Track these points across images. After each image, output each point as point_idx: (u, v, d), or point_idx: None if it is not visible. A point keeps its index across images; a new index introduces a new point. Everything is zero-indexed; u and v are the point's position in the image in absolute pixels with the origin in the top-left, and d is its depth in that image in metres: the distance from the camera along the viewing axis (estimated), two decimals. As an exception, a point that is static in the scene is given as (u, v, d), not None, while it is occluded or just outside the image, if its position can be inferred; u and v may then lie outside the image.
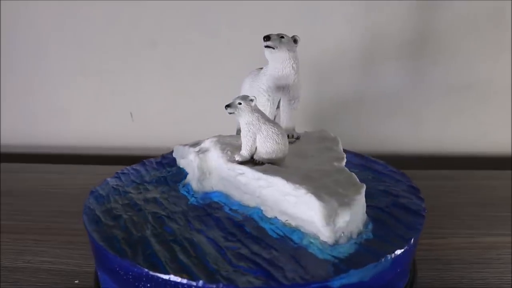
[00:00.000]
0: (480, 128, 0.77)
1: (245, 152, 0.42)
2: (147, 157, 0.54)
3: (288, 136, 0.47)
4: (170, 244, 0.37)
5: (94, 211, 0.42)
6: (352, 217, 0.36)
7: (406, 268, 0.39)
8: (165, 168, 0.52)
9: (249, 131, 0.41)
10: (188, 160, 0.48)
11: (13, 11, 0.75)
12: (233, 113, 0.41)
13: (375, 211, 0.41)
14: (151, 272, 0.33)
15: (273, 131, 0.41)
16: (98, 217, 0.41)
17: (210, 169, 0.45)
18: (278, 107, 0.48)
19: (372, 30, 0.72)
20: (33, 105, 0.81)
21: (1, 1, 0.75)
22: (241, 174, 0.42)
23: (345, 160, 0.44)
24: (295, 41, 0.46)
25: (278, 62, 0.45)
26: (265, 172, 0.40)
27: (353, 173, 0.40)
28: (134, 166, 0.52)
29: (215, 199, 0.44)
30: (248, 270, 0.33)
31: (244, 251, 0.36)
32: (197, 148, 0.46)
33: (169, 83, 0.78)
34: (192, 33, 0.74)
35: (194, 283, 0.31)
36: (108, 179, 0.48)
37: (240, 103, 0.41)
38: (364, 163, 0.52)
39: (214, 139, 0.46)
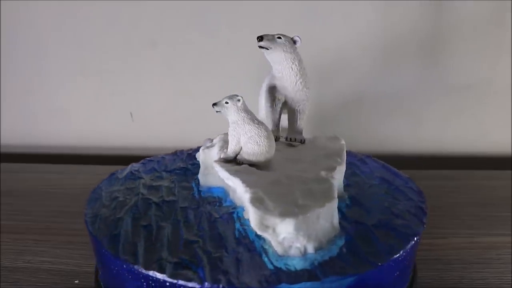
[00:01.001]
0: (480, 128, 0.77)
1: (229, 151, 0.43)
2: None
3: (290, 139, 0.47)
4: (139, 228, 0.39)
5: (101, 190, 0.46)
6: (304, 229, 0.34)
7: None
8: (192, 160, 0.53)
9: (234, 130, 0.42)
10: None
11: (13, 11, 0.75)
12: (219, 111, 0.41)
13: (360, 228, 0.38)
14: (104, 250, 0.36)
15: (256, 132, 0.40)
16: (100, 195, 0.45)
17: (213, 165, 0.45)
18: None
19: (372, 30, 0.72)
20: (33, 105, 0.81)
21: (1, 1, 0.75)
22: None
23: (338, 170, 0.42)
24: (294, 42, 0.45)
25: (276, 63, 0.45)
26: (233, 172, 0.40)
27: (334, 184, 0.38)
28: (164, 154, 0.54)
29: (215, 194, 0.44)
30: (190, 264, 0.34)
31: (199, 246, 0.36)
32: (208, 143, 0.47)
33: (169, 83, 0.78)
34: (192, 33, 0.74)
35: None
36: (134, 164, 0.52)
37: (227, 102, 0.41)
38: (386, 176, 0.49)
39: (222, 135, 0.47)
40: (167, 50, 0.75)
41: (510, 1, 0.69)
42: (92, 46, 0.76)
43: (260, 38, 0.43)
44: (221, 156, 0.43)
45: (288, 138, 0.47)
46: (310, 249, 0.34)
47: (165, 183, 0.47)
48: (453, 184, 0.67)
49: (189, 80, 0.77)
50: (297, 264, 0.33)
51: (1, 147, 0.84)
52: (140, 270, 0.33)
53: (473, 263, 0.49)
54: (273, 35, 0.44)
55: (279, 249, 0.34)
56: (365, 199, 0.43)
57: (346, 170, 0.44)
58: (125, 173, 0.50)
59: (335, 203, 0.36)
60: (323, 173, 0.40)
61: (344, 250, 0.35)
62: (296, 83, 0.45)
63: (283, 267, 0.33)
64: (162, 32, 0.75)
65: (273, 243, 0.34)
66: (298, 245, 0.34)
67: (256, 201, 0.35)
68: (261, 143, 0.41)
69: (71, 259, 0.50)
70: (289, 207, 0.35)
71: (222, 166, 0.42)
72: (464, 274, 0.47)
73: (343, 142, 0.47)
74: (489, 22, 0.70)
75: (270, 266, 0.33)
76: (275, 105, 0.47)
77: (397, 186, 0.48)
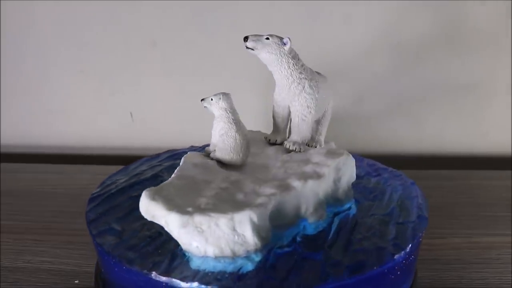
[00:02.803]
0: (480, 128, 0.77)
1: (210, 146, 0.44)
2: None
3: (286, 146, 0.45)
4: (116, 210, 0.42)
5: (114, 177, 0.49)
6: (196, 230, 0.34)
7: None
8: None
9: (215, 125, 0.42)
10: None
11: (13, 11, 0.75)
12: (206, 107, 0.43)
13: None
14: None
15: (226, 131, 0.41)
16: (108, 180, 0.48)
17: None
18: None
19: (372, 30, 0.72)
20: (33, 105, 0.81)
21: (1, 1, 0.75)
22: None
23: (318, 181, 0.39)
24: (284, 43, 0.42)
25: (268, 65, 0.43)
26: (186, 163, 0.41)
27: (273, 198, 0.37)
28: (192, 146, 0.56)
29: None
30: (138, 251, 0.36)
31: (154, 234, 0.38)
32: None
33: (169, 83, 0.78)
34: (192, 33, 0.74)
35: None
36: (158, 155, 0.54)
37: (211, 99, 0.42)
38: (407, 192, 0.46)
39: None
40: (167, 50, 0.75)
41: (510, 1, 0.69)
42: (92, 46, 0.76)
43: (246, 38, 0.42)
44: (205, 150, 0.45)
45: (284, 144, 0.46)
46: (210, 253, 0.34)
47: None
48: (453, 184, 0.67)
49: (189, 80, 0.77)
50: (196, 263, 0.34)
51: (1, 147, 0.84)
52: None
53: (473, 263, 0.49)
54: (260, 36, 0.42)
55: (181, 243, 0.35)
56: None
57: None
58: (143, 161, 0.53)
59: (244, 215, 0.34)
60: (293, 181, 0.38)
61: (266, 267, 0.34)
62: (289, 87, 0.43)
63: (196, 268, 0.34)
64: (162, 32, 0.75)
65: (173, 236, 0.35)
66: (196, 244, 0.34)
67: (154, 190, 0.36)
68: (228, 142, 0.41)
69: (71, 259, 0.50)
70: (186, 206, 0.35)
71: (189, 157, 0.43)
72: (463, 274, 0.47)
73: (344, 156, 0.43)
74: (489, 22, 0.70)
75: (187, 259, 0.35)
76: (278, 108, 0.46)
77: (407, 207, 0.46)
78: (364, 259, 0.35)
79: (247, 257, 0.35)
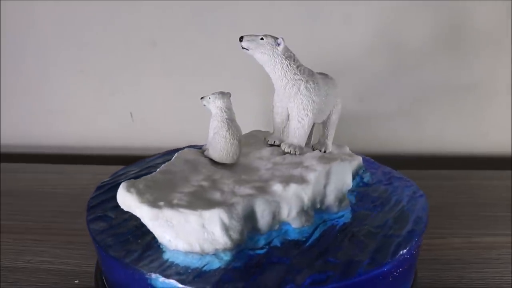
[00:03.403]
0: (480, 128, 0.77)
1: (206, 143, 0.44)
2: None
3: (283, 148, 0.44)
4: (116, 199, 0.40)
5: (128, 169, 0.50)
6: (167, 224, 0.35)
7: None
8: None
9: (211, 124, 0.43)
10: None
11: (13, 11, 0.75)
12: (205, 105, 0.43)
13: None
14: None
15: (221, 133, 0.42)
16: (122, 171, 0.50)
17: None
18: None
19: (372, 31, 0.72)
20: (33, 105, 0.81)
21: (1, 1, 0.75)
22: None
23: (302, 186, 0.39)
24: (278, 44, 0.42)
25: (263, 66, 0.43)
26: (178, 158, 0.42)
27: (249, 200, 0.37)
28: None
29: None
30: (119, 239, 0.38)
31: (140, 224, 0.38)
32: None
33: (169, 83, 0.78)
34: (192, 33, 0.74)
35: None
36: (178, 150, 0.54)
37: (209, 98, 0.43)
38: (411, 204, 0.44)
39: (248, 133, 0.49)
40: (167, 50, 0.75)
41: (510, 1, 0.69)
42: (92, 46, 0.76)
43: (241, 38, 0.42)
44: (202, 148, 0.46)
45: (281, 146, 0.45)
46: (180, 247, 0.35)
47: None
48: (453, 184, 0.67)
49: (189, 80, 0.77)
50: (167, 256, 0.35)
51: (1, 147, 0.84)
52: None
53: (473, 263, 0.49)
54: (256, 36, 0.42)
55: (156, 235, 0.36)
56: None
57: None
58: (158, 156, 0.54)
59: (213, 214, 0.34)
60: (274, 184, 0.38)
61: (235, 267, 0.34)
62: (284, 88, 0.43)
63: (158, 254, 0.36)
64: (162, 32, 0.75)
65: (149, 227, 0.36)
66: (168, 237, 0.35)
67: (131, 182, 0.37)
68: (218, 141, 0.42)
69: (71, 259, 0.50)
70: (159, 200, 0.36)
71: (182, 154, 0.43)
72: (463, 274, 0.47)
73: (337, 162, 0.42)
74: (489, 22, 0.70)
75: (160, 251, 0.36)
76: (277, 109, 0.45)
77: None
78: (330, 270, 0.34)
79: (216, 255, 0.35)
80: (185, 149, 0.45)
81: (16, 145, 0.84)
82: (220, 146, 0.42)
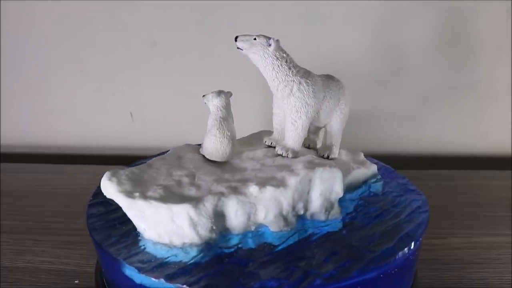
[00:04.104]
0: (480, 128, 0.77)
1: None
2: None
3: (276, 150, 0.44)
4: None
5: (146, 160, 0.48)
6: (140, 213, 0.36)
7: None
8: None
9: (207, 122, 0.44)
10: None
11: (13, 11, 0.75)
12: (206, 103, 0.44)
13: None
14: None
15: (212, 131, 0.42)
16: (142, 161, 0.48)
17: None
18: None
19: (372, 31, 0.72)
20: (33, 105, 0.81)
21: (1, 1, 0.75)
22: None
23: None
24: (269, 44, 0.41)
25: (257, 66, 0.42)
26: (172, 154, 0.44)
27: (220, 199, 0.37)
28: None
29: None
30: (107, 224, 0.41)
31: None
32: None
33: (169, 83, 0.78)
34: (192, 33, 0.74)
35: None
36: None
37: (209, 96, 0.44)
38: (409, 219, 0.42)
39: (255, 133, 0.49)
40: (167, 50, 0.75)
41: (510, 1, 0.69)
42: (92, 46, 0.76)
43: (236, 38, 0.42)
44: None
45: (275, 148, 0.44)
46: (151, 237, 0.37)
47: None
48: (453, 184, 0.67)
49: (189, 80, 0.77)
50: (141, 244, 0.37)
51: (1, 147, 0.84)
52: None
53: (473, 263, 0.49)
54: (250, 36, 0.41)
55: (134, 223, 0.38)
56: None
57: None
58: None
59: (182, 208, 0.35)
60: (251, 186, 0.38)
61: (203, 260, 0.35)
62: (277, 89, 0.42)
63: (133, 242, 0.38)
64: (162, 32, 0.75)
65: (128, 216, 0.38)
66: (143, 226, 0.37)
67: (114, 172, 0.39)
68: (209, 139, 0.42)
69: (71, 259, 0.50)
70: (135, 190, 0.37)
71: (179, 149, 0.45)
72: (463, 274, 0.47)
73: (325, 168, 0.40)
74: (489, 22, 0.70)
75: (139, 237, 0.38)
76: (276, 110, 0.45)
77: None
78: (284, 279, 0.33)
79: (183, 249, 0.36)
80: (183, 145, 0.45)
81: (16, 145, 0.84)
82: (209, 143, 0.42)
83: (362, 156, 0.48)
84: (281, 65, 0.41)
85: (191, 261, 0.35)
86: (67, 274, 0.48)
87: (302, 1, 0.70)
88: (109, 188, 0.37)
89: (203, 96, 0.44)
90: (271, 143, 0.46)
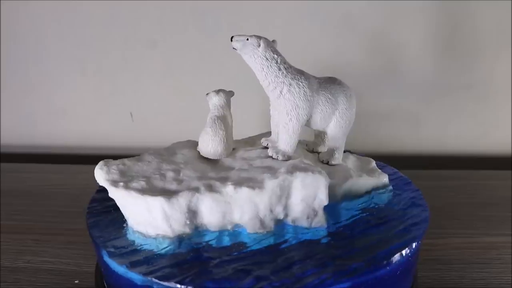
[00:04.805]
0: (480, 128, 0.77)
1: None
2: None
3: (268, 151, 0.43)
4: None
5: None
6: (124, 202, 0.39)
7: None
8: None
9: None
10: None
11: (13, 11, 0.75)
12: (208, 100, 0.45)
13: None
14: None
15: (206, 129, 0.43)
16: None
17: None
18: None
19: (372, 30, 0.72)
20: (33, 105, 0.81)
21: (1, 1, 0.75)
22: None
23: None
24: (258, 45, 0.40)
25: (250, 66, 0.42)
26: (169, 148, 0.45)
27: (194, 195, 0.38)
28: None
29: None
30: (101, 211, 0.43)
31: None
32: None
33: (169, 83, 0.78)
34: (192, 33, 0.74)
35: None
36: None
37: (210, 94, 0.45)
38: (402, 234, 0.39)
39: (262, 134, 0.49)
40: (167, 50, 0.75)
41: (510, 1, 0.69)
42: (92, 46, 0.76)
43: (232, 38, 0.41)
44: None
45: (268, 150, 0.43)
46: (131, 224, 0.39)
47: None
48: (453, 184, 0.67)
49: (189, 80, 0.77)
50: (125, 231, 0.40)
51: (1, 147, 0.84)
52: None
53: (473, 263, 0.49)
54: (244, 36, 0.40)
55: (122, 211, 0.40)
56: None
57: None
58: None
59: (156, 201, 0.37)
60: (227, 185, 0.38)
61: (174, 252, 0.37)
62: (268, 90, 0.41)
63: (119, 228, 0.40)
64: (162, 32, 0.75)
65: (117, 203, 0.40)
66: (127, 214, 0.40)
67: (106, 162, 0.42)
68: (203, 137, 0.43)
69: (71, 259, 0.50)
70: (121, 180, 0.39)
71: (178, 145, 0.46)
72: (464, 274, 0.47)
73: (307, 174, 0.38)
74: (489, 22, 0.70)
75: (124, 224, 0.40)
76: (273, 111, 0.44)
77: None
78: (234, 281, 0.33)
79: (156, 239, 0.38)
80: (185, 140, 0.46)
81: (16, 145, 0.84)
82: (202, 141, 0.43)
83: (372, 165, 0.46)
84: (270, 66, 0.41)
85: (159, 252, 0.37)
86: (67, 274, 0.48)
87: (302, 1, 0.70)
88: (99, 176, 0.40)
89: (207, 94, 0.45)
90: (267, 144, 0.45)
